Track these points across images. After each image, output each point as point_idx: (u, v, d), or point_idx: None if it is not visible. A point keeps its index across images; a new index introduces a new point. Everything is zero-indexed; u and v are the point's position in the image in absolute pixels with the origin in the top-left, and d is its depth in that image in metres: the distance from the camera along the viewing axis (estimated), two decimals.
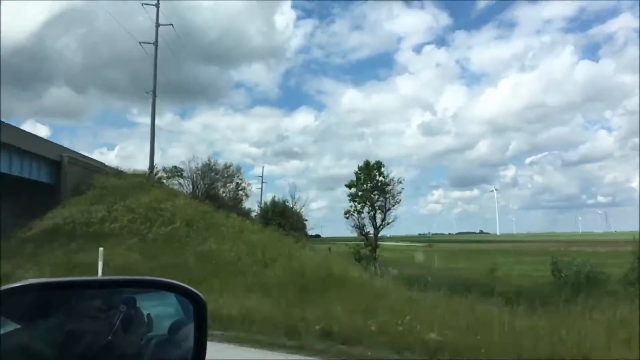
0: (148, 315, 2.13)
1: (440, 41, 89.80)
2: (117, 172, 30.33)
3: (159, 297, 2.12)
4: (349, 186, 40.96)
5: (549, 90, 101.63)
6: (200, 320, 1.92)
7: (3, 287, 1.73)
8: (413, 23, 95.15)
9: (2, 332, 1.70)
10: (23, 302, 1.77)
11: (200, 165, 35.85)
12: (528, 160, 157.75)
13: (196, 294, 1.95)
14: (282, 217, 39.08)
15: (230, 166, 38.03)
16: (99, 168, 29.97)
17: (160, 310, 2.14)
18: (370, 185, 40.05)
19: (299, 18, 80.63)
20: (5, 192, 22.74)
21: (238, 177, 38.21)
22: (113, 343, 1.96)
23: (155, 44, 34.00)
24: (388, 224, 40.76)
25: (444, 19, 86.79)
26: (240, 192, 37.99)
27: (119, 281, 2.12)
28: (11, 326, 1.77)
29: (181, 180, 36.30)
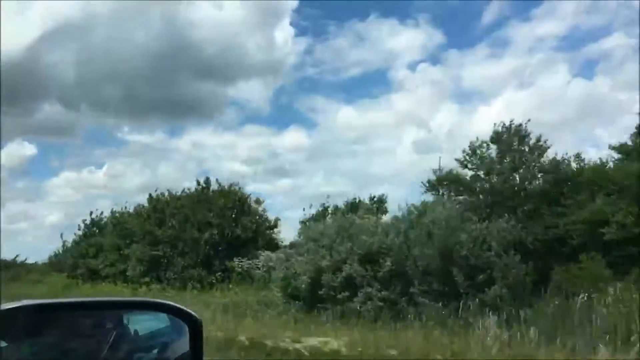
0: (138, 334, 2.16)
1: (434, 59, 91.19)
2: None
3: (150, 317, 2.16)
4: None
5: (542, 108, 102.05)
6: (195, 340, 1.95)
7: None
8: (407, 41, 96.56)
9: None
10: (18, 323, 1.80)
11: None
12: None
13: (191, 314, 1.98)
14: None
15: None
16: None
17: (151, 330, 2.17)
18: None
19: (295, 35, 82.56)
20: None
21: None
22: None
23: None
24: None
25: (438, 37, 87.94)
26: None
27: (112, 302, 2.16)
28: (6, 346, 1.80)
29: None
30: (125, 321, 2.11)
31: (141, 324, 2.16)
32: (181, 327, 1.99)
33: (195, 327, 1.95)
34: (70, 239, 29.97)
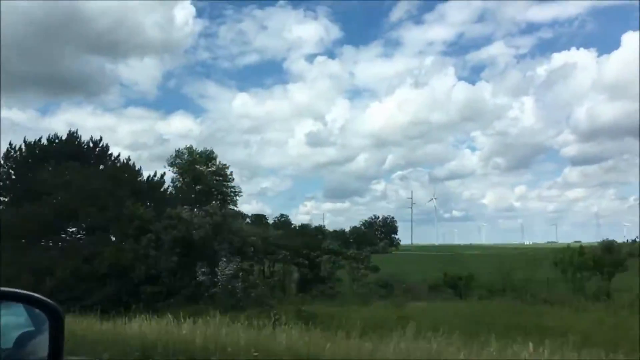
0: None
1: (331, 53, 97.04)
2: None
3: (4, 308, 1.95)
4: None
5: (430, 108, 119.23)
6: (56, 332, 1.83)
7: None
8: (306, 33, 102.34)
9: None
10: None
11: None
12: (395, 175, 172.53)
13: (51, 305, 1.86)
14: None
15: None
16: None
17: (5, 322, 1.97)
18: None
19: (195, 16, 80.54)
20: None
21: None
22: None
23: None
24: None
25: (336, 32, 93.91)
26: None
27: None
28: None
29: None
30: None
31: None
32: (39, 318, 1.87)
33: (54, 318, 1.84)
34: None
